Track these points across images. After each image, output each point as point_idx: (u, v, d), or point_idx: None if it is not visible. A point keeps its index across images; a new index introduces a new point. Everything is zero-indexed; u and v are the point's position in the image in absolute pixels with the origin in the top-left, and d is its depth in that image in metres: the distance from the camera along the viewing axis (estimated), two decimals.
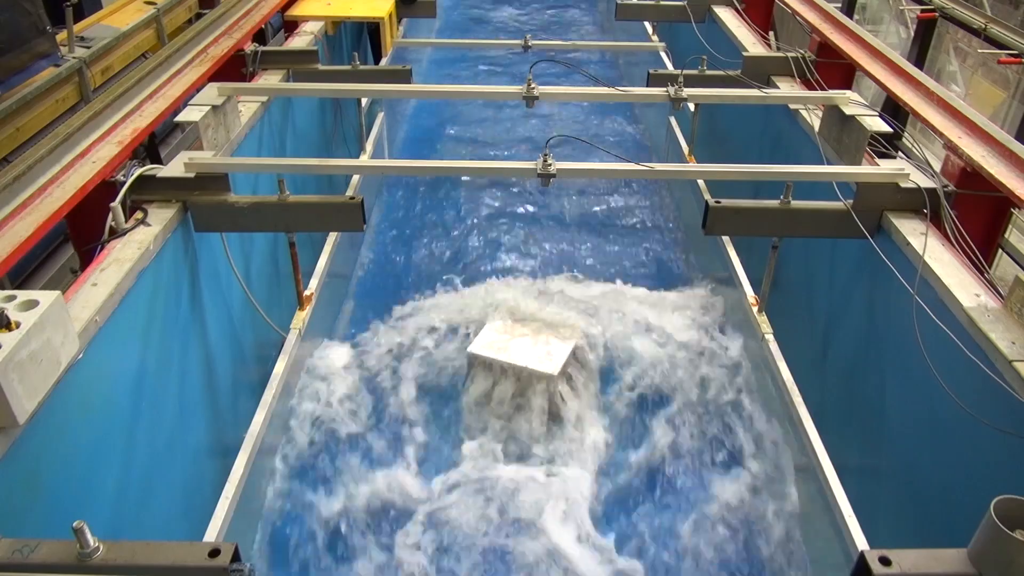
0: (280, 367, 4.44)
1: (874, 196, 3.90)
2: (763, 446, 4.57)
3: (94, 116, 4.11)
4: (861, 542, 3.40)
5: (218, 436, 4.13)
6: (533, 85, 4.78)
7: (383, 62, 7.26)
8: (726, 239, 5.50)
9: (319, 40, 6.28)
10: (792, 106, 5.14)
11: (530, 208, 7.63)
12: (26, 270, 5.01)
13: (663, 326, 5.46)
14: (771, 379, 4.49)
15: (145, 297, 3.39)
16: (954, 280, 3.35)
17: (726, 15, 7.00)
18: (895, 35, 9.37)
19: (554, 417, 4.90)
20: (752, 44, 6.28)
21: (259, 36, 6.14)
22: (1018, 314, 3.06)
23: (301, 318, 4.81)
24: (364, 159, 6.65)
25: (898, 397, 3.76)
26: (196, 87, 4.74)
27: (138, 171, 3.75)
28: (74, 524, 1.89)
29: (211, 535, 3.46)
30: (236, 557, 1.93)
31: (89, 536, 1.91)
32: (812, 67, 5.43)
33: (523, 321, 5.28)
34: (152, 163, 4.08)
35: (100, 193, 3.70)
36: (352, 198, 4.07)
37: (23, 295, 2.58)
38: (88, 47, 5.18)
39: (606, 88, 5.02)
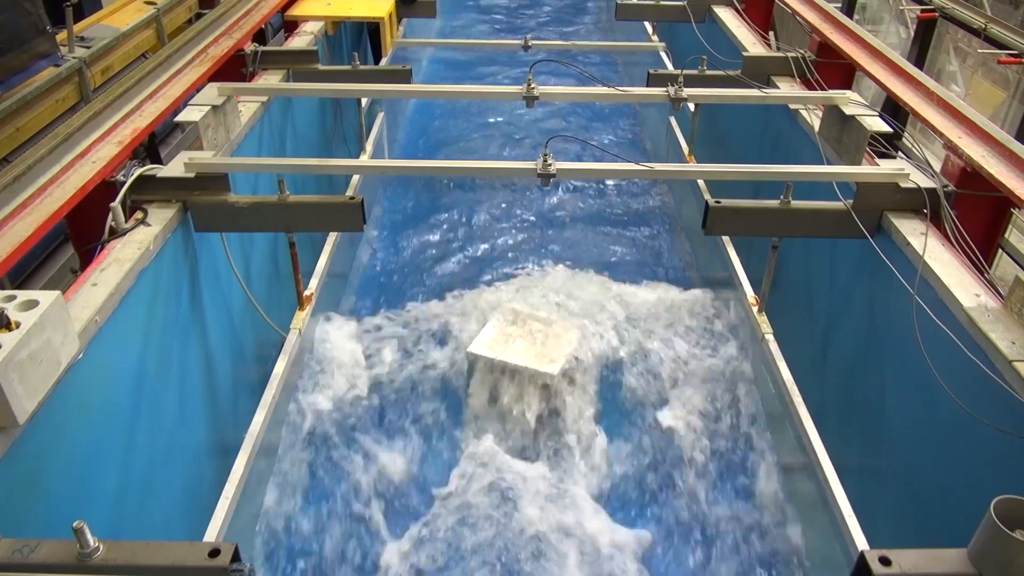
0: (280, 367, 4.44)
1: (874, 196, 3.90)
2: (762, 445, 4.58)
3: (94, 116, 4.11)
4: (861, 542, 3.40)
5: (218, 436, 4.13)
6: (533, 85, 4.78)
7: (383, 62, 7.26)
8: (726, 239, 5.50)
9: (319, 40, 6.28)
10: (792, 106, 5.14)
11: (530, 207, 7.63)
12: (26, 270, 5.01)
13: (663, 326, 5.46)
14: (771, 379, 4.49)
15: (145, 297, 3.39)
16: (954, 280, 3.35)
17: (726, 15, 7.00)
18: (895, 35, 9.38)
19: (554, 417, 4.90)
20: (752, 44, 6.28)
21: (259, 36, 6.14)
22: (1018, 314, 3.06)
23: (301, 318, 4.81)
24: (364, 159, 6.65)
25: (898, 397, 3.76)
26: (196, 87, 4.74)
27: (138, 171, 3.75)
28: (74, 524, 1.89)
29: (211, 535, 3.45)
30: (236, 557, 1.93)
31: (89, 536, 1.91)
32: (812, 67, 5.43)
33: (523, 321, 5.28)
34: (152, 163, 4.08)
35: (100, 193, 3.70)
36: (352, 198, 4.06)
37: (23, 295, 2.58)
38: (88, 47, 5.17)
39: (606, 88, 5.02)
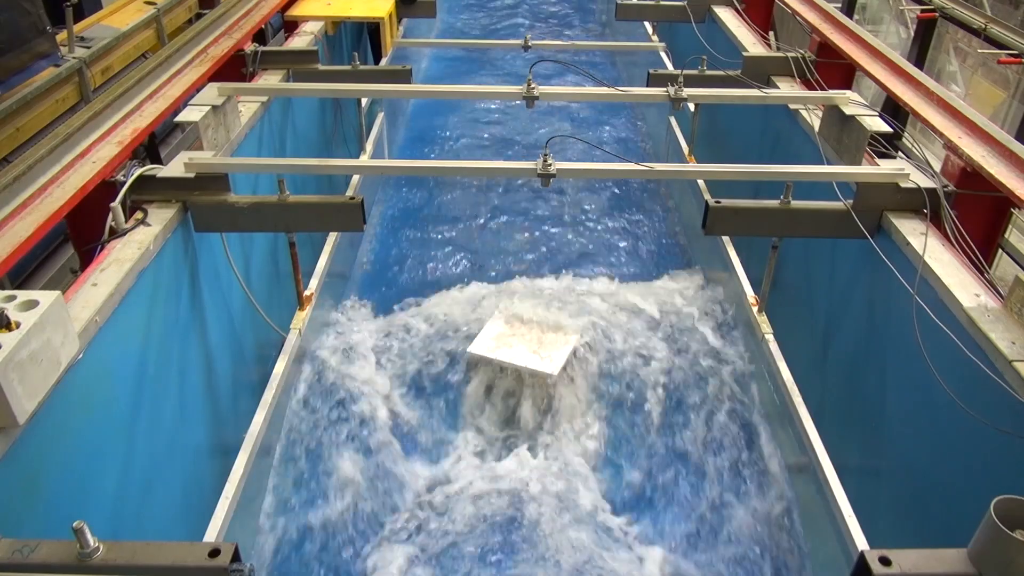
0: (280, 367, 4.44)
1: (874, 196, 3.90)
2: (763, 444, 4.58)
3: (94, 116, 4.11)
4: (861, 542, 3.40)
5: (218, 436, 4.13)
6: (533, 85, 4.78)
7: (383, 62, 7.26)
8: (726, 239, 5.50)
9: (319, 40, 6.28)
10: (792, 106, 5.14)
11: (530, 207, 7.62)
12: (26, 270, 5.01)
13: (663, 326, 5.47)
14: (771, 379, 4.49)
15: (145, 297, 3.39)
16: (954, 280, 3.35)
17: (726, 15, 7.00)
18: (895, 35, 9.37)
19: (554, 417, 4.90)
20: (752, 44, 6.27)
21: (259, 36, 6.14)
22: (1018, 314, 3.06)
23: (301, 318, 4.81)
24: (364, 159, 6.65)
25: (898, 397, 3.76)
26: (196, 87, 4.74)
27: (138, 171, 3.75)
28: (74, 524, 1.89)
29: (211, 535, 3.46)
30: (236, 557, 1.93)
31: (89, 536, 1.91)
32: (812, 67, 5.43)
33: (523, 321, 5.28)
34: (152, 163, 4.09)
35: (100, 193, 3.70)
36: (352, 198, 4.07)
37: (23, 295, 2.58)
38: (88, 47, 5.17)
39: (606, 88, 5.02)
